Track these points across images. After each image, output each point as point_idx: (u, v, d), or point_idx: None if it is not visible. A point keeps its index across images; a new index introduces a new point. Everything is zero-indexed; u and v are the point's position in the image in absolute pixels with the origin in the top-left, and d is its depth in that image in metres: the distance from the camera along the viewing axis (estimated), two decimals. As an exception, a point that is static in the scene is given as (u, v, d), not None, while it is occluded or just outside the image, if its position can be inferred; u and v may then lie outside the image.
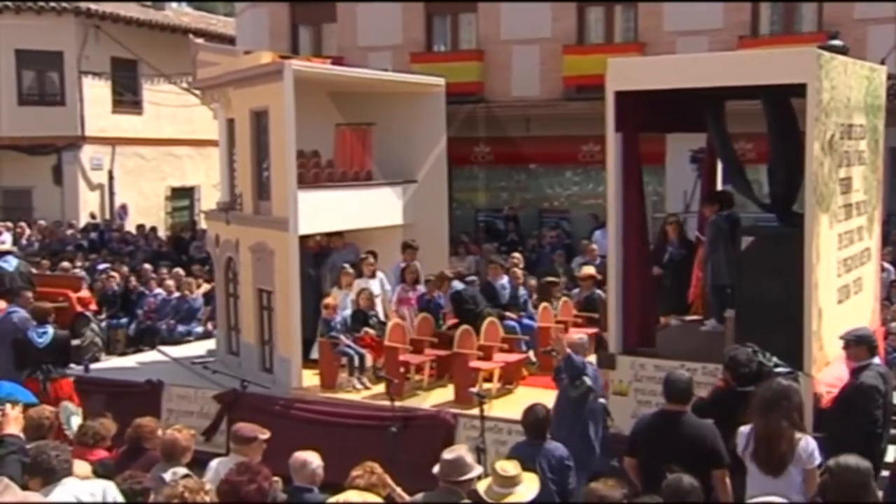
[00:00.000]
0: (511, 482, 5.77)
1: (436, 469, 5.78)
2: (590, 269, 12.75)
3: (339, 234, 12.28)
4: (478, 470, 5.81)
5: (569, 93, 18.54)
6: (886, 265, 11.90)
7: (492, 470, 5.91)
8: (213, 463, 6.49)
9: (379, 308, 11.59)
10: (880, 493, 5.32)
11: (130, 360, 13.28)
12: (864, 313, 9.60)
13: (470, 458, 5.76)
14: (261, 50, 13.21)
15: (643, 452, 6.39)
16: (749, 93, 8.92)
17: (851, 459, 5.02)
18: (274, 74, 10.65)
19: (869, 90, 9.39)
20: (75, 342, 13.77)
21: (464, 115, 16.99)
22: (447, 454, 5.76)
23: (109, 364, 13.23)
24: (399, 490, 5.97)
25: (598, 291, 12.17)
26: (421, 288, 11.66)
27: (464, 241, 17.78)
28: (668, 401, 6.49)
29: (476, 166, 21.03)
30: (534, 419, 6.85)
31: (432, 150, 12.85)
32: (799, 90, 7.86)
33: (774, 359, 7.24)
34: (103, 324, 15.79)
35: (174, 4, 28.63)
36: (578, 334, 8.83)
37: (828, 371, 8.11)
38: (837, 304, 8.61)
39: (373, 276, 11.78)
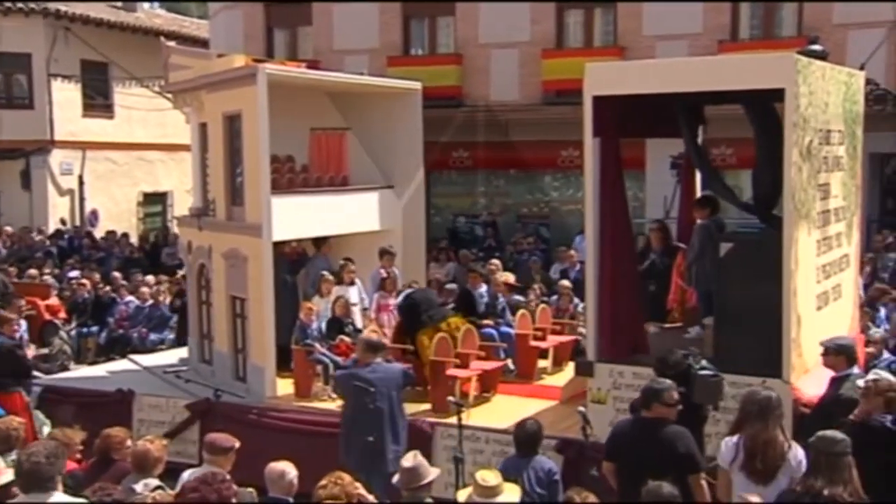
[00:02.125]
0: (491, 492, 5.71)
1: (395, 479, 5.90)
2: (507, 277, 12.58)
3: (324, 239, 12.14)
4: (435, 472, 5.96)
5: (548, 97, 18.50)
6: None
7: (472, 480, 5.83)
8: (186, 474, 6.38)
9: (357, 316, 11.46)
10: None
11: (101, 369, 13.05)
12: (843, 320, 9.58)
13: (425, 462, 5.92)
14: (235, 53, 13.06)
15: (621, 458, 6.34)
16: (729, 97, 8.88)
17: (832, 432, 5.42)
18: (247, 78, 10.51)
19: (847, 95, 9.38)
20: (43, 351, 13.59)
21: (441, 119, 16.87)
22: (406, 463, 5.89)
23: (79, 373, 13.00)
24: (371, 498, 5.89)
25: (518, 297, 12.15)
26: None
27: (442, 247, 17.66)
28: (646, 405, 6.42)
29: (454, 171, 20.93)
30: (524, 434, 6.82)
31: (409, 154, 12.74)
32: (779, 95, 7.82)
33: (703, 361, 7.21)
34: (73, 332, 15.55)
35: (146, 6, 28.34)
36: (374, 335, 8.75)
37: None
38: (816, 311, 8.58)
39: (351, 283, 11.65)
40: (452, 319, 10.56)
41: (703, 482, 6.15)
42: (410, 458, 5.92)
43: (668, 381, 6.41)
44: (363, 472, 6.97)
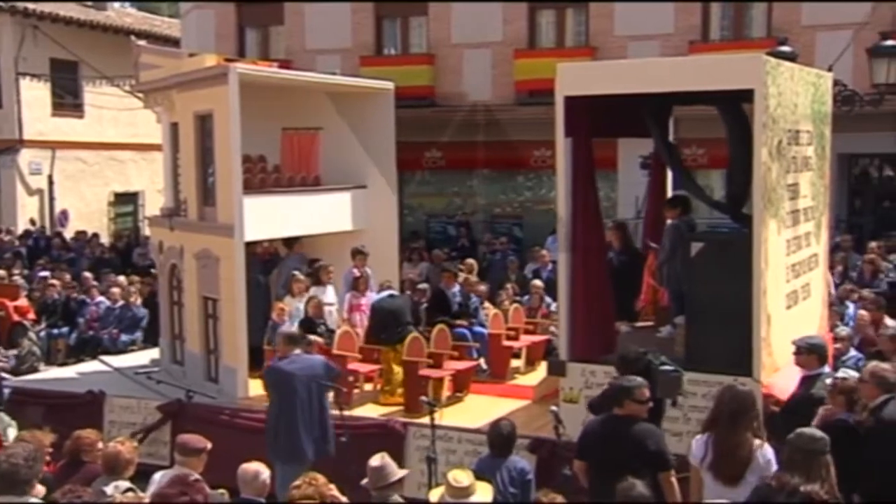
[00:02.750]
0: (464, 493, 5.68)
1: (364, 481, 5.86)
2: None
3: (296, 239, 12.11)
4: (402, 471, 5.97)
5: (521, 97, 18.53)
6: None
7: (444, 480, 5.82)
8: (157, 476, 6.40)
9: (334, 316, 11.44)
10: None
11: (71, 371, 12.94)
12: (812, 319, 9.68)
13: (393, 462, 5.92)
14: (207, 52, 12.99)
15: (592, 456, 6.38)
16: (700, 98, 8.94)
17: (811, 430, 5.46)
18: (219, 77, 10.46)
19: (815, 96, 9.47)
20: (12, 352, 13.47)
21: (414, 119, 16.86)
22: (374, 462, 5.86)
23: (49, 375, 12.87)
24: (344, 499, 5.88)
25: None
26: (371, 295, 11.52)
27: (416, 246, 17.66)
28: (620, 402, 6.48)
29: (427, 171, 20.94)
30: (498, 435, 6.80)
31: (382, 154, 12.72)
32: (749, 96, 7.89)
33: (662, 357, 7.35)
34: (42, 333, 15.39)
35: (116, 5, 28.10)
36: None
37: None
38: (786, 310, 8.65)
39: (329, 283, 11.64)
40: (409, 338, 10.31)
41: (674, 480, 6.19)
42: (378, 459, 5.90)
43: (639, 379, 6.46)
44: (289, 465, 7.18)
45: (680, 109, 10.63)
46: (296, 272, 11.58)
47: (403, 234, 15.73)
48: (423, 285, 13.29)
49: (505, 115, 18.60)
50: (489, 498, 5.84)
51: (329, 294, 11.59)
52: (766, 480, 5.52)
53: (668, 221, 9.68)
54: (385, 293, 11.15)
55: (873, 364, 6.32)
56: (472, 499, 5.68)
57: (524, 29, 18.95)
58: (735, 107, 9.07)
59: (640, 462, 5.95)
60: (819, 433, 5.51)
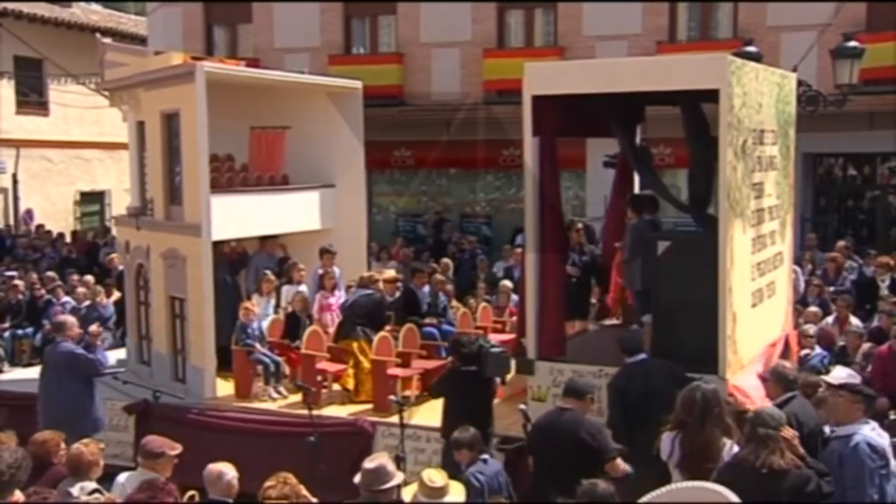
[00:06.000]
0: (439, 493, 5.63)
1: (357, 478, 5.68)
2: (390, 273, 12.59)
3: (273, 237, 12.05)
4: (399, 478, 5.76)
5: (489, 96, 18.58)
6: (794, 267, 12.15)
7: (418, 479, 5.77)
8: (121, 477, 6.35)
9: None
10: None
11: (35, 372, 12.73)
12: (777, 317, 9.79)
13: (391, 466, 5.70)
14: (174, 50, 12.91)
15: (534, 450, 6.43)
16: (666, 97, 9.00)
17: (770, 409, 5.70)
18: (186, 76, 10.39)
19: (780, 97, 9.58)
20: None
21: (383, 118, 16.85)
22: (368, 463, 5.68)
23: (13, 376, 12.74)
24: (314, 500, 5.84)
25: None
26: (339, 294, 11.49)
27: (385, 245, 17.65)
28: (562, 396, 6.72)
29: (397, 170, 20.92)
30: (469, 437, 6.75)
31: (350, 153, 12.71)
32: (713, 96, 7.95)
33: (492, 340, 7.94)
34: (7, 334, 15.20)
35: (82, 3, 27.81)
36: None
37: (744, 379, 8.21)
38: (751, 308, 8.74)
39: (300, 282, 11.60)
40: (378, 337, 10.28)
41: (623, 465, 6.22)
42: (375, 458, 5.76)
43: (592, 379, 6.65)
44: None
45: (647, 109, 10.71)
46: (267, 271, 11.54)
47: (374, 233, 15.75)
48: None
49: (473, 114, 18.62)
50: (462, 498, 5.79)
51: (302, 292, 11.56)
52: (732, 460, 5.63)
53: (629, 221, 9.75)
54: (361, 292, 11.07)
55: (775, 363, 6.58)
56: (446, 499, 5.63)
57: (493, 29, 19.03)
58: (695, 107, 9.15)
59: (577, 454, 6.01)
60: (777, 412, 5.66)
